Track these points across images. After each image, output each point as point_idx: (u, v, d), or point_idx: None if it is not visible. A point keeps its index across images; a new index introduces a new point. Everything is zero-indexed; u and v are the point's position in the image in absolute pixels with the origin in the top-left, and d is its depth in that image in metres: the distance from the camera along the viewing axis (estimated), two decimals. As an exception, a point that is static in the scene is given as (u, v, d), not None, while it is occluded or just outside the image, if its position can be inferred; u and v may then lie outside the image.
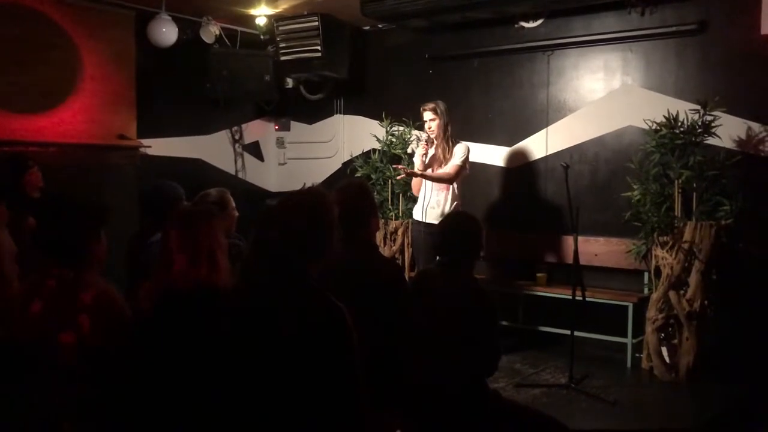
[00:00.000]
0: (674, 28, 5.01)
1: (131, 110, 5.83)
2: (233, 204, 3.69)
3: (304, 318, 1.94)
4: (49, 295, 2.18)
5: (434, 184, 4.86)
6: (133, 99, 5.83)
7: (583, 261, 4.58)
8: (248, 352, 1.96)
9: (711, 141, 4.60)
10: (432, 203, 4.86)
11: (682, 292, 4.55)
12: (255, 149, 7.18)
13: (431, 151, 4.91)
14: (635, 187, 4.74)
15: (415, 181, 5.02)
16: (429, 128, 4.90)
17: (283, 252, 1.98)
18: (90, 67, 5.53)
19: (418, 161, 4.92)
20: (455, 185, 4.88)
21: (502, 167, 5.86)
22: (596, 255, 5.27)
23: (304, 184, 2.23)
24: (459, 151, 4.89)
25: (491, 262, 5.76)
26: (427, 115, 4.91)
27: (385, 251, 5.84)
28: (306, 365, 1.92)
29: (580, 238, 4.50)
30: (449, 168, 4.84)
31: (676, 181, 4.57)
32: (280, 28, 6.25)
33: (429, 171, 4.87)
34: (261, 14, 6.21)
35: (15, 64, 5.06)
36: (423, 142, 4.93)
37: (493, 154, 5.89)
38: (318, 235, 2.04)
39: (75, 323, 2.13)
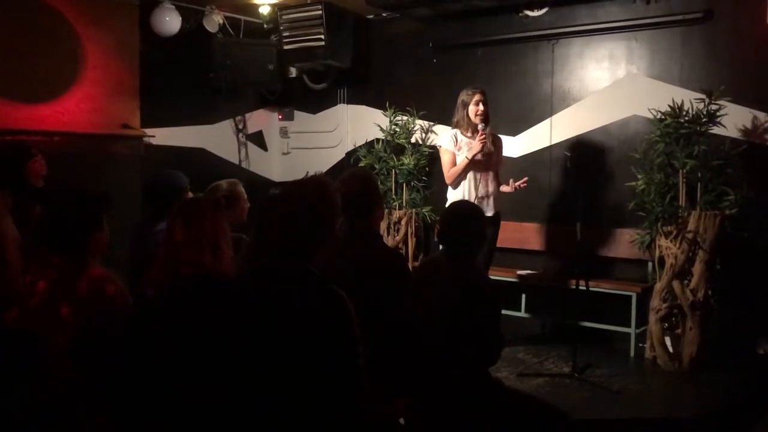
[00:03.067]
0: (680, 17, 4.98)
1: (135, 99, 5.82)
2: (245, 196, 3.69)
3: (306, 307, 1.94)
4: (51, 283, 2.19)
5: (489, 175, 4.69)
6: (136, 88, 5.82)
7: (586, 250, 4.57)
8: (250, 339, 1.96)
9: (716, 130, 4.59)
10: (482, 196, 4.64)
11: (685, 282, 4.54)
12: (258, 139, 7.17)
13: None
14: (639, 176, 4.72)
15: (457, 170, 4.60)
16: (480, 112, 4.59)
17: (285, 240, 1.99)
18: (93, 56, 5.52)
19: (476, 149, 4.53)
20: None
21: (505, 157, 5.83)
22: (600, 244, 5.26)
23: (307, 172, 2.23)
24: (502, 146, 4.82)
25: (496, 252, 5.75)
26: (480, 97, 4.62)
27: (389, 241, 5.85)
28: (308, 354, 1.92)
29: (583, 228, 4.49)
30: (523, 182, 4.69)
31: (680, 171, 4.55)
32: (284, 17, 6.23)
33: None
34: (264, 3, 6.19)
35: (18, 54, 5.06)
36: (481, 131, 4.53)
37: (497, 144, 5.88)
38: (320, 224, 2.04)
39: (77, 311, 2.14)
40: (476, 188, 4.63)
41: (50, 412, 2.12)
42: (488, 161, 4.67)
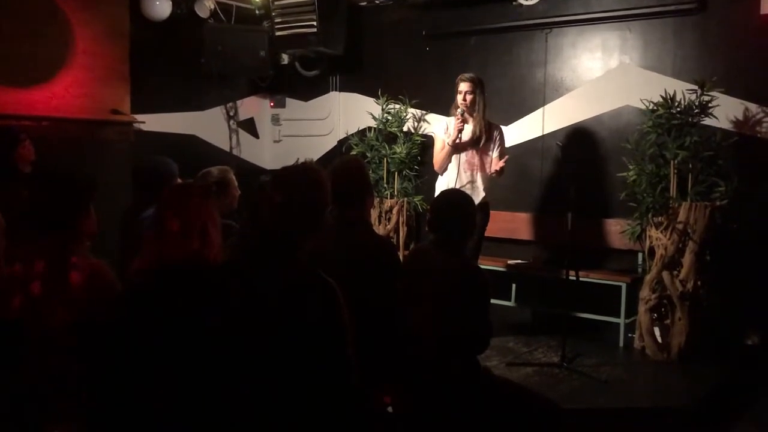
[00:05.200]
0: (673, 7, 4.97)
1: (125, 85, 5.76)
2: (235, 183, 3.68)
3: (295, 294, 1.94)
4: (38, 270, 2.17)
5: (476, 163, 4.65)
6: (126, 73, 5.76)
7: (577, 240, 4.57)
8: (239, 327, 1.95)
9: (708, 121, 4.59)
10: (465, 183, 4.60)
11: (675, 272, 4.56)
12: (250, 126, 7.13)
13: (469, 128, 4.61)
14: (631, 167, 4.73)
15: (441, 156, 4.66)
16: (464, 100, 4.56)
17: (275, 227, 1.98)
18: (82, 41, 5.45)
19: (452, 136, 4.56)
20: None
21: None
22: (590, 235, 5.27)
23: (297, 159, 2.22)
24: (499, 137, 4.69)
25: (486, 241, 5.76)
26: (465, 86, 4.57)
27: (380, 230, 5.84)
28: (297, 341, 1.92)
29: (574, 218, 4.49)
30: (502, 162, 4.56)
31: (671, 162, 4.56)
32: (276, 2, 6.18)
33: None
34: (256, -11, 6.14)
35: (6, 38, 4.99)
36: (458, 115, 4.54)
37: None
38: (310, 211, 2.03)
39: (64, 297, 2.13)
40: (459, 176, 4.62)
41: (35, 399, 2.11)
42: (476, 149, 4.65)
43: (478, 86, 4.61)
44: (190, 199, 2.24)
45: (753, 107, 4.70)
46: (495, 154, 4.67)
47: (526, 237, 5.66)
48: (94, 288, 2.18)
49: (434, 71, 6.03)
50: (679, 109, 4.55)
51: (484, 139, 4.64)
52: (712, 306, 4.58)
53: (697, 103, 4.52)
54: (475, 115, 4.62)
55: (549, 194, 5.54)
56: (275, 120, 7.26)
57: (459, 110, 4.57)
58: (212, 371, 1.97)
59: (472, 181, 4.65)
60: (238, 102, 6.97)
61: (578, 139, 5.42)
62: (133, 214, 3.40)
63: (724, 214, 4.50)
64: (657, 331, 4.69)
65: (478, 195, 4.62)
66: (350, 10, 6.42)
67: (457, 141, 4.58)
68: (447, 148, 4.61)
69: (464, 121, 4.58)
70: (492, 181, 4.78)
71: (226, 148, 6.86)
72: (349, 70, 6.69)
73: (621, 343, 4.96)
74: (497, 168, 4.56)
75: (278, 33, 6.26)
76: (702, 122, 4.56)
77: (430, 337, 2.70)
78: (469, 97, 4.58)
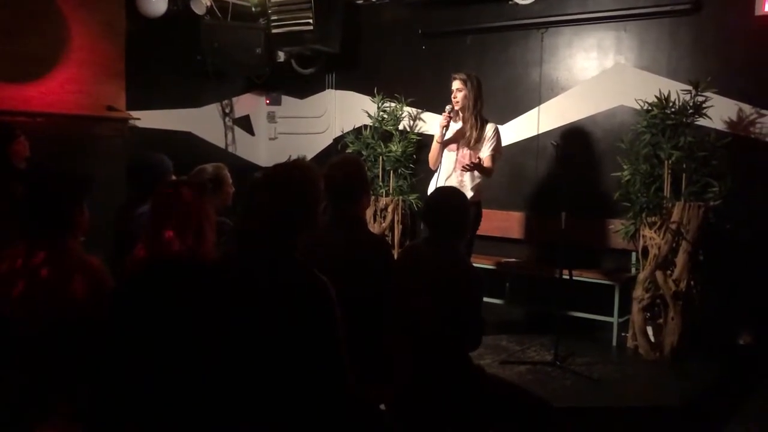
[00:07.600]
0: (668, 8, 4.99)
1: (120, 81, 5.75)
2: (230, 180, 3.68)
3: (288, 291, 1.94)
4: (32, 266, 2.17)
5: (462, 162, 4.62)
6: (122, 70, 5.75)
7: (571, 240, 4.59)
8: (231, 324, 1.96)
9: (702, 122, 4.60)
10: (454, 182, 4.58)
11: (668, 272, 4.57)
12: (246, 123, 7.13)
13: (457, 126, 4.63)
14: (625, 167, 4.74)
15: (431, 152, 4.72)
16: (454, 98, 4.61)
17: (267, 225, 1.98)
18: (78, 37, 5.44)
19: (438, 133, 4.62)
20: None
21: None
22: (584, 234, 5.28)
23: (290, 156, 2.22)
24: (491, 136, 4.62)
25: (480, 240, 5.77)
26: (455, 85, 4.61)
27: (375, 228, 5.85)
28: (289, 338, 1.93)
29: (568, 217, 4.50)
30: (487, 161, 4.56)
31: (666, 162, 4.57)
32: (272, 0, 6.18)
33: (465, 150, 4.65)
34: (253, -14, 6.14)
35: (2, 33, 4.97)
36: (446, 112, 4.59)
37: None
38: (302, 208, 2.04)
39: (58, 293, 2.13)
40: (449, 174, 4.65)
41: (29, 396, 2.11)
42: (467, 148, 4.64)
43: (468, 84, 4.60)
44: (184, 197, 2.24)
45: (747, 108, 4.72)
46: (487, 153, 4.63)
47: (521, 236, 5.67)
48: (88, 284, 2.18)
49: (430, 70, 6.04)
50: (673, 109, 4.56)
51: (474, 138, 4.62)
52: (704, 306, 4.59)
53: (691, 104, 4.53)
54: (466, 112, 4.63)
55: (543, 193, 5.56)
56: (271, 117, 7.25)
57: (448, 108, 4.60)
58: (205, 369, 1.97)
59: (461, 180, 4.64)
60: (234, 99, 6.97)
61: (573, 138, 5.43)
62: (128, 210, 3.40)
63: (718, 214, 4.52)
64: (650, 330, 4.71)
65: (467, 192, 4.62)
66: (347, 8, 6.42)
67: (444, 138, 4.60)
68: (436, 144, 4.64)
69: (450, 119, 4.60)
70: (483, 181, 4.74)
71: (222, 146, 6.86)
72: (345, 68, 6.69)
73: (614, 342, 4.98)
74: (469, 162, 4.51)
75: (275, 30, 6.26)
76: (696, 123, 4.58)
77: (423, 334, 2.70)
78: (459, 95, 4.60)
